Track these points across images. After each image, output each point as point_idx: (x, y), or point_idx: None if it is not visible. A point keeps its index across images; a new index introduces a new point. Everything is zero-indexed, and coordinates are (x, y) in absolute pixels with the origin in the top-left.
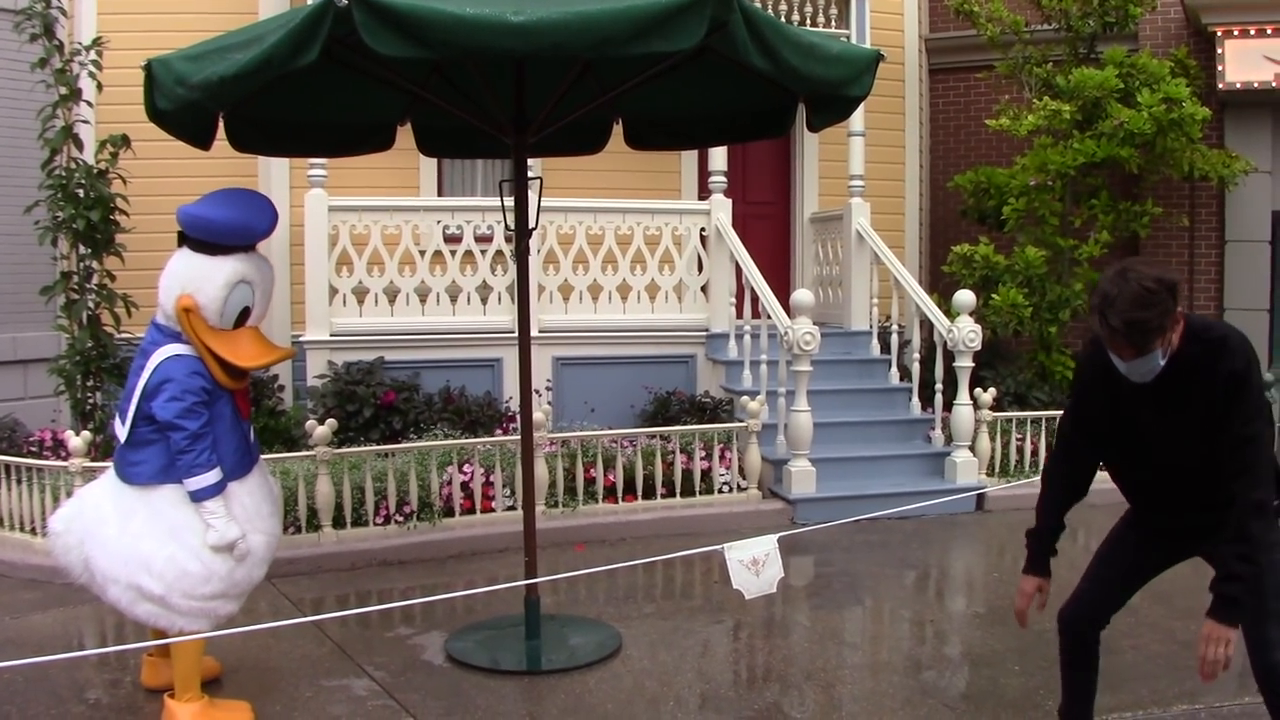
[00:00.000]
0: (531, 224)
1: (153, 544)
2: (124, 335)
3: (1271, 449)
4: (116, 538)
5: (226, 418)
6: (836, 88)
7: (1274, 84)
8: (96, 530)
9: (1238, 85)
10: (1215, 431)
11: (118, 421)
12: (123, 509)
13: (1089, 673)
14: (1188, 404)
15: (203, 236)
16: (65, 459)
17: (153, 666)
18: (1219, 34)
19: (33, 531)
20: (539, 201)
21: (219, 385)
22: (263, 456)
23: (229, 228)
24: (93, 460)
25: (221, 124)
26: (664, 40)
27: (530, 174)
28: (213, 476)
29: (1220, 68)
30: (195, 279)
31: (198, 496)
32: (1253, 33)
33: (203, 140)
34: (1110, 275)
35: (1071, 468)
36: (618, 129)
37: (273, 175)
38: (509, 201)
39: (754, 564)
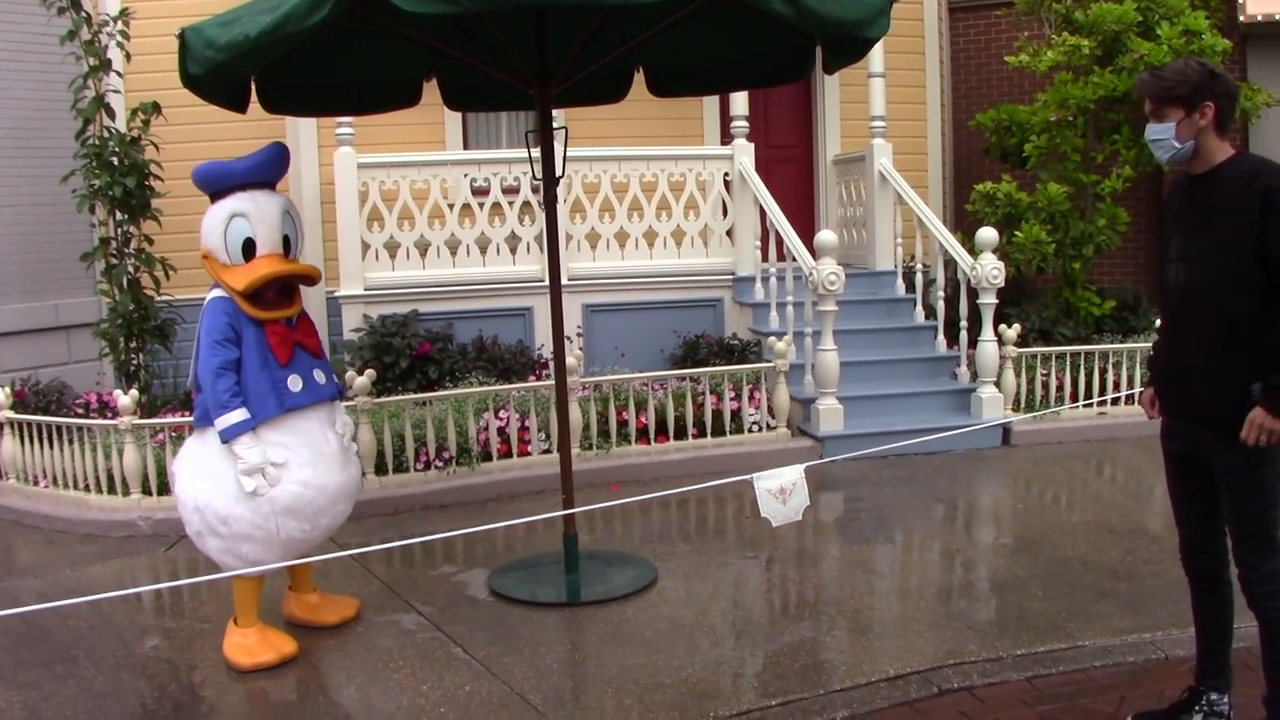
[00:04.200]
0: (559, 173)
1: (191, 483)
2: (164, 298)
3: None
4: (178, 482)
5: (252, 362)
6: (854, 29)
7: None
8: (174, 476)
9: (1259, 17)
10: (1246, 255)
11: (190, 376)
12: (189, 455)
13: (1217, 617)
14: (1218, 218)
15: (206, 189)
16: (113, 418)
17: (287, 599)
18: None
19: (86, 489)
20: (565, 151)
21: (249, 322)
22: (316, 409)
23: (206, 175)
24: (140, 418)
25: (254, 88)
26: None
27: (555, 124)
28: (237, 415)
29: (1241, 0)
30: (204, 228)
31: (224, 436)
32: None
33: (237, 104)
34: None
35: None
36: (639, 77)
37: (301, 135)
38: (536, 152)
39: (781, 492)
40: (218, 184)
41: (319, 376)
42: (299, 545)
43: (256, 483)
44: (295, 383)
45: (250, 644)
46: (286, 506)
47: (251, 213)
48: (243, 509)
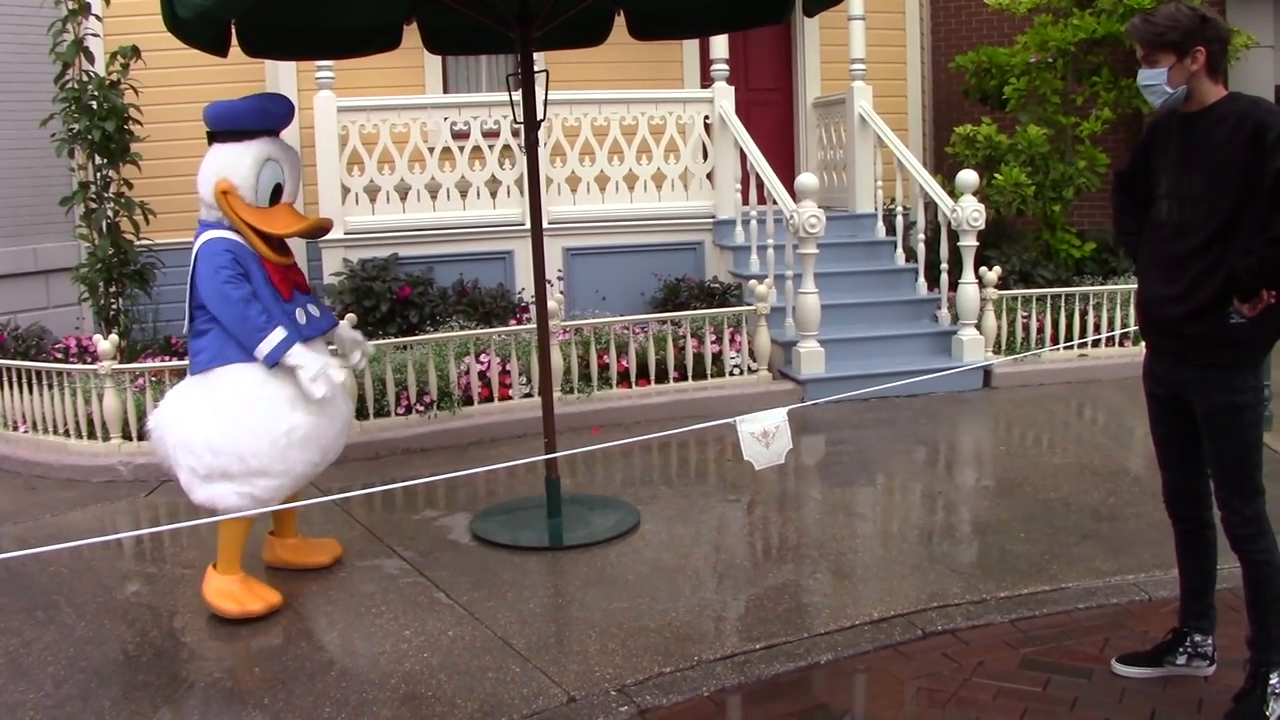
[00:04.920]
0: (540, 116)
1: (197, 425)
2: (144, 242)
3: None
4: (177, 427)
5: (264, 296)
6: None
7: None
8: (168, 425)
9: None
10: (1238, 192)
11: (186, 323)
12: (187, 399)
13: (1201, 559)
14: (1211, 155)
15: (228, 125)
16: (92, 363)
17: (269, 545)
18: None
19: (66, 434)
20: (546, 94)
21: (260, 263)
22: (317, 343)
23: (249, 110)
24: (120, 363)
25: (235, 32)
26: None
27: (536, 67)
28: (278, 334)
29: None
30: (228, 164)
31: (273, 358)
32: None
33: (218, 48)
34: None
35: (1127, 194)
36: (620, 21)
37: (280, 79)
38: (517, 96)
39: (764, 436)
40: (248, 122)
41: (314, 311)
42: (302, 480)
43: (325, 386)
44: (301, 315)
45: (237, 592)
46: (304, 437)
47: (284, 161)
48: (263, 443)
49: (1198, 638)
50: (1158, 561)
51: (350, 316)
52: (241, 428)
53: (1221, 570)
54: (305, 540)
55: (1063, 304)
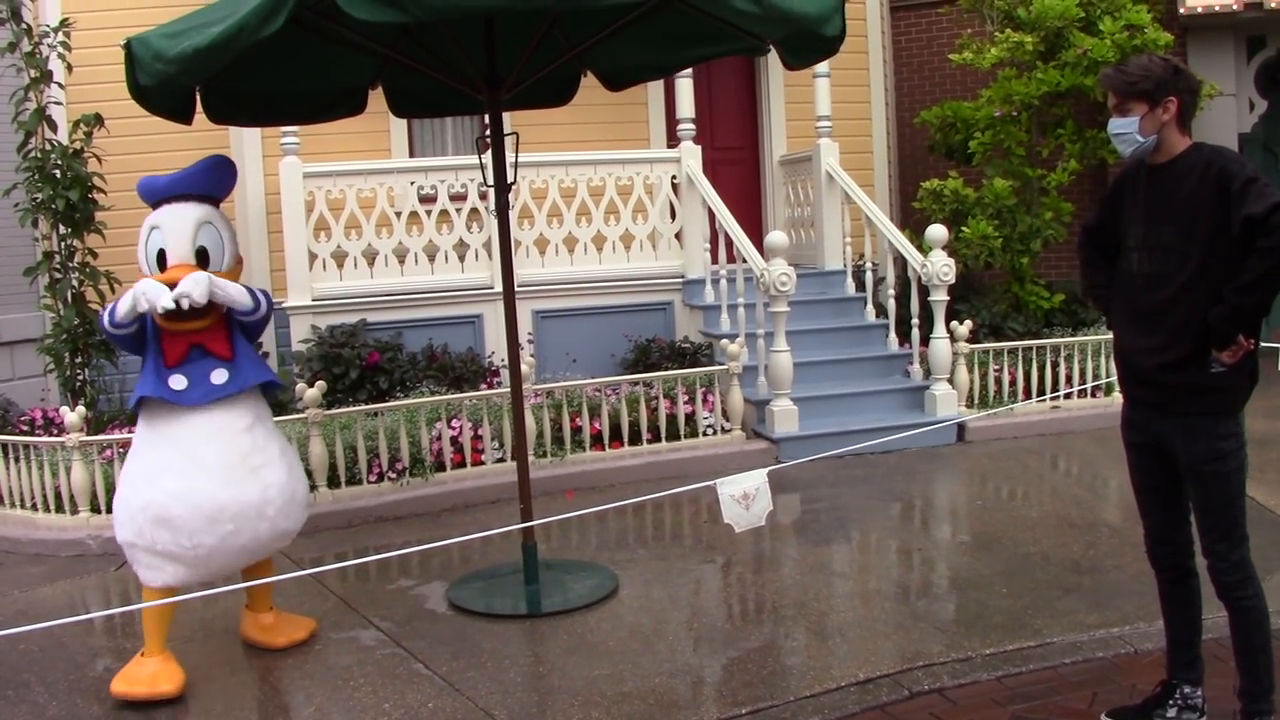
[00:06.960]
0: (510, 179)
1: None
2: None
3: None
4: None
5: (149, 358)
6: (813, 25)
7: (1235, 7)
8: None
9: (1199, 10)
10: (1207, 241)
11: None
12: None
13: (1186, 609)
14: (1180, 206)
15: (145, 203)
16: (59, 435)
17: (243, 619)
18: None
19: (34, 508)
20: (516, 156)
21: (155, 327)
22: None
23: (141, 188)
24: (87, 434)
25: (199, 98)
26: None
27: (505, 130)
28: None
29: None
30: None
31: (119, 325)
32: None
33: (183, 115)
34: None
35: (1095, 247)
36: (586, 81)
37: (245, 145)
38: (486, 158)
39: (744, 498)
40: (149, 197)
41: (218, 377)
42: (189, 561)
43: (152, 294)
44: (178, 382)
45: (138, 674)
46: (156, 516)
47: (165, 224)
48: (123, 515)
49: (1187, 689)
50: (1141, 614)
51: (320, 384)
52: (117, 499)
53: (1206, 620)
54: (280, 617)
55: (1034, 356)
